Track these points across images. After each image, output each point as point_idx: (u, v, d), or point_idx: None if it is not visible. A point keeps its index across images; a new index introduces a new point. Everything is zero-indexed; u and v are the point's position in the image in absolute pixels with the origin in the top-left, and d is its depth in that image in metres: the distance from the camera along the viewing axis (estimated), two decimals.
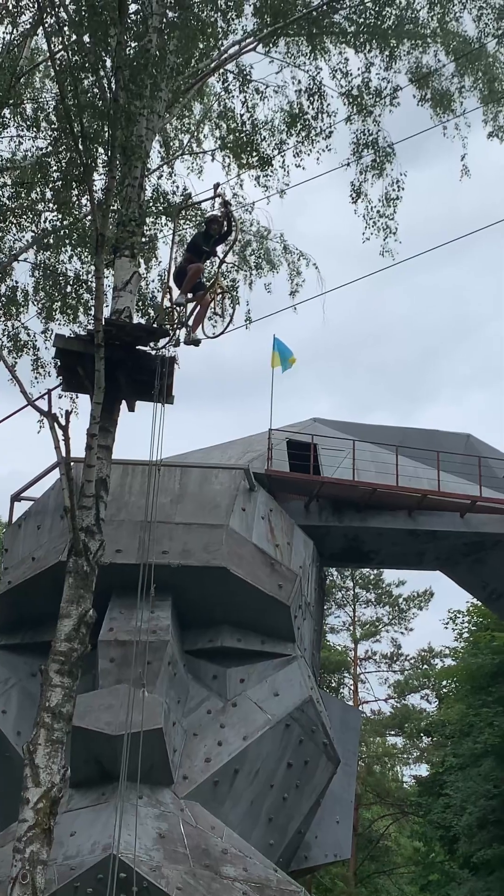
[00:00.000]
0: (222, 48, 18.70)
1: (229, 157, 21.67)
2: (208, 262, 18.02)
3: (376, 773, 51.71)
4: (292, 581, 23.30)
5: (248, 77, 19.95)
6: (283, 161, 20.49)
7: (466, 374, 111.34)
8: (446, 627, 44.82)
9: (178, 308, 17.22)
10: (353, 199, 20.83)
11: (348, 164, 20.80)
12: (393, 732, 53.00)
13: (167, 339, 15.56)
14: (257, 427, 26.21)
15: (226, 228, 17.68)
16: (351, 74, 20.53)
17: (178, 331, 16.96)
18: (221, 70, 19.35)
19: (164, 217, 18.68)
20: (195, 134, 22.52)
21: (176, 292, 17.49)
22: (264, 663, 23.05)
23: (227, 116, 21.31)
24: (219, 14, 17.48)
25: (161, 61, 14.87)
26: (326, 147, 20.27)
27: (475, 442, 28.59)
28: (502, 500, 26.60)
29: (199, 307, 17.31)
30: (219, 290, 18.04)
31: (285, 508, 25.33)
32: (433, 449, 26.87)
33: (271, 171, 20.46)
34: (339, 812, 26.39)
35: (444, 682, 47.50)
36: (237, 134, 20.78)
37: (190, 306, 17.37)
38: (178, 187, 20.58)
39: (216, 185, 18.08)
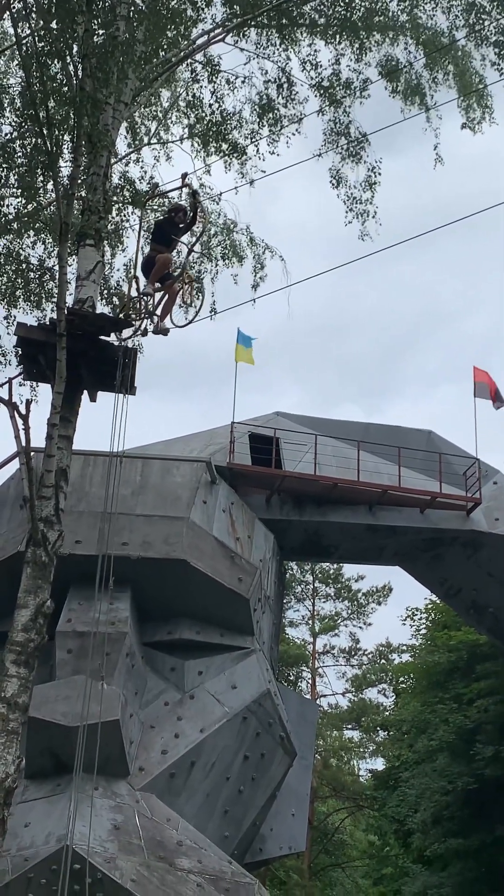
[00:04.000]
0: (191, 37, 18.60)
1: (198, 144, 21.59)
2: (175, 251, 17.91)
3: (332, 766, 51.88)
4: (252, 574, 23.30)
5: (218, 67, 19.87)
6: (258, 149, 20.48)
7: (434, 369, 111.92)
8: (404, 624, 45.10)
9: (145, 298, 17.10)
10: (333, 185, 20.90)
11: (320, 155, 20.83)
12: (350, 726, 53.19)
13: (134, 329, 15.45)
14: (226, 417, 26.23)
15: (190, 217, 17.59)
16: (321, 66, 20.53)
17: (146, 320, 16.86)
18: (190, 60, 19.26)
19: (130, 206, 18.55)
20: (163, 121, 22.41)
21: (143, 282, 17.38)
22: (223, 656, 23.04)
23: (195, 106, 21.21)
24: (188, 3, 17.38)
25: (129, 49, 14.76)
26: (296, 130, 20.30)
27: (436, 438, 28.70)
28: (462, 497, 26.75)
29: (167, 297, 17.20)
30: (187, 280, 17.93)
31: (246, 502, 25.33)
32: (394, 445, 26.95)
33: (246, 159, 20.47)
34: (294, 805, 26.44)
35: (402, 678, 47.76)
36: (206, 124, 20.70)
37: (157, 296, 17.25)
38: (146, 173, 20.56)
39: (184, 175, 17.99)
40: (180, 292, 17.46)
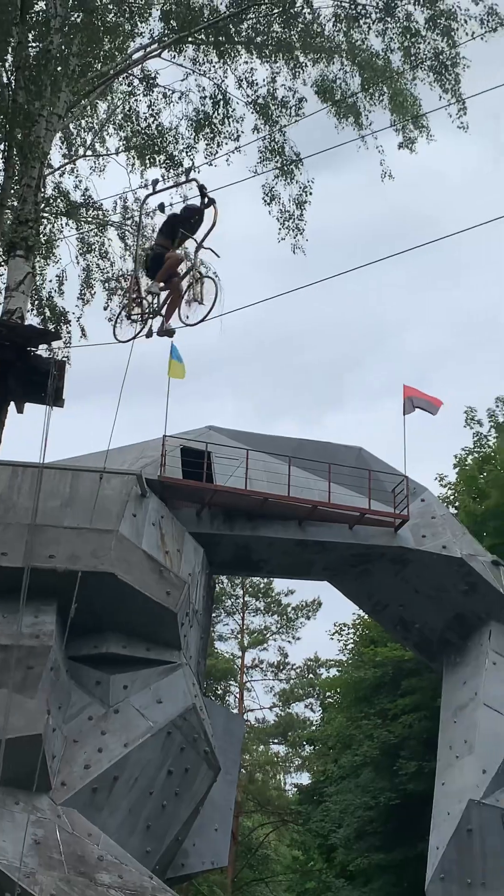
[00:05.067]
0: (128, 51, 18.63)
1: (134, 158, 21.60)
2: (181, 249, 17.48)
3: (258, 781, 51.91)
4: (180, 588, 23.26)
5: (154, 82, 19.95)
6: (193, 163, 20.55)
7: (375, 384, 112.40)
8: (332, 639, 45.30)
9: (150, 296, 16.82)
10: (266, 202, 21.10)
11: (256, 173, 20.96)
12: (276, 741, 53.31)
13: (138, 330, 15.26)
14: (160, 430, 26.10)
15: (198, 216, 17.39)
16: (257, 84, 20.70)
17: (150, 320, 16.65)
18: (126, 74, 19.29)
19: (63, 217, 18.49)
20: (99, 134, 22.37)
21: (145, 280, 17.09)
22: (149, 670, 22.96)
23: (131, 119, 21.24)
24: (124, 18, 17.42)
25: (63, 62, 14.76)
26: (236, 149, 20.42)
27: (366, 455, 28.90)
28: (390, 514, 26.96)
29: (172, 296, 16.82)
30: (197, 277, 17.50)
31: (177, 515, 25.28)
32: (325, 461, 27.10)
33: (182, 172, 20.52)
34: (217, 820, 26.41)
35: (329, 693, 47.94)
36: (142, 137, 20.74)
37: (163, 295, 16.95)
38: (80, 182, 20.53)
39: (188, 170, 17.93)
40: (189, 290, 17.10)
